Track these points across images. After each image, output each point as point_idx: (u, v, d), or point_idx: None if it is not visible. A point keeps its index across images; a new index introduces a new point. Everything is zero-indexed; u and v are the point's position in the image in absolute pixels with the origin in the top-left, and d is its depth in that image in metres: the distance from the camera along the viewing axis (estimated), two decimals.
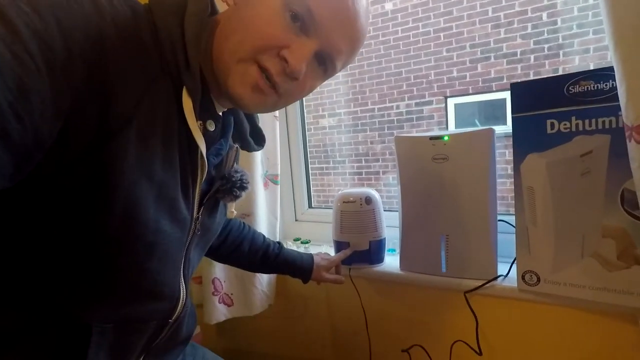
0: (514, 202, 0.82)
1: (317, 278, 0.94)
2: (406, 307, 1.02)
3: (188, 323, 0.64)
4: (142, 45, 0.43)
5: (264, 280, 1.13)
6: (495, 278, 0.87)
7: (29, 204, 0.40)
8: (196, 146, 0.48)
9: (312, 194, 1.39)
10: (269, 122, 1.11)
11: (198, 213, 0.55)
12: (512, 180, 0.81)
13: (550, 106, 0.74)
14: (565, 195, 0.75)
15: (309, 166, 1.36)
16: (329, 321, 1.16)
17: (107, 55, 0.39)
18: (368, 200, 1.01)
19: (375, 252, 1.03)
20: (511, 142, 0.80)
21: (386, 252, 1.07)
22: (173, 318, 0.57)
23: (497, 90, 4.03)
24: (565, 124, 0.74)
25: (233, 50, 0.47)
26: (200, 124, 0.52)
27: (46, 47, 0.34)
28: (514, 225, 0.89)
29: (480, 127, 0.86)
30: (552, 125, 0.74)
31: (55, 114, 0.35)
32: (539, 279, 0.80)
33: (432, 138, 0.91)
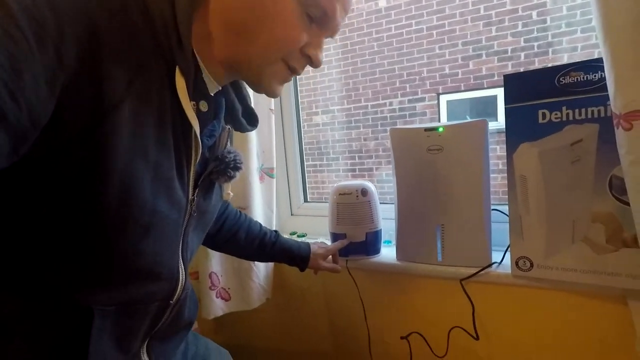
0: (506, 195, 0.84)
1: (314, 266, 0.95)
2: (403, 296, 1.03)
3: (189, 307, 0.64)
4: (134, 26, 0.43)
5: (261, 274, 1.14)
6: (490, 265, 0.89)
7: (25, 188, 0.40)
8: (190, 126, 0.48)
9: (307, 189, 1.40)
10: (265, 116, 1.12)
11: (193, 195, 0.54)
12: (504, 174, 0.83)
13: (541, 97, 0.76)
14: (557, 183, 0.77)
15: (304, 161, 1.37)
16: (326, 313, 1.17)
17: (99, 36, 0.39)
18: (364, 192, 1.02)
19: (371, 243, 1.04)
20: (503, 138, 0.83)
21: (382, 244, 1.08)
22: (174, 299, 0.57)
23: (488, 87, 4.08)
24: (556, 114, 0.76)
25: (262, 55, 0.51)
26: (194, 105, 0.52)
27: (38, 25, 0.34)
28: (507, 214, 0.92)
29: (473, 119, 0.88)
30: (544, 115, 0.76)
31: (49, 92, 0.36)
32: (532, 265, 0.82)
33: (427, 130, 0.92)
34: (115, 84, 0.40)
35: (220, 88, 0.58)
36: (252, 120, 0.70)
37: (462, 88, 3.97)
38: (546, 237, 0.80)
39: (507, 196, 0.84)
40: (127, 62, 0.41)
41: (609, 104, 0.63)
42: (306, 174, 1.40)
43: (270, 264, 1.17)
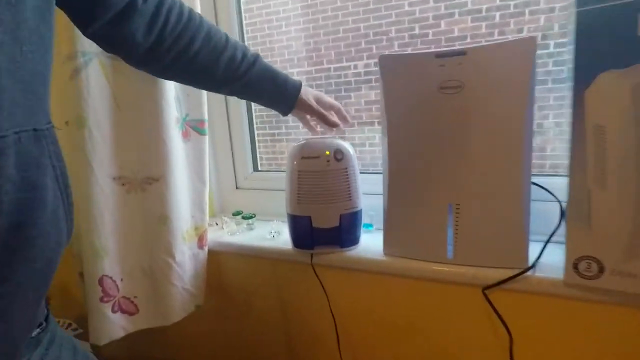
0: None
1: (306, 107, 0.70)
2: (394, 310, 0.72)
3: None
4: None
5: (186, 273, 0.78)
6: (531, 267, 0.59)
7: None
8: None
9: (259, 157, 1.04)
10: None
11: None
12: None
13: None
14: None
15: (254, 116, 1.00)
16: (282, 324, 0.84)
17: None
18: (338, 154, 0.68)
19: (347, 229, 0.71)
20: None
21: (362, 229, 0.75)
22: None
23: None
24: None
25: None
26: None
27: None
28: (548, 189, 0.62)
29: (517, 36, 0.56)
30: None
31: None
32: (602, 269, 0.53)
33: (440, 55, 0.58)
34: None
35: None
36: None
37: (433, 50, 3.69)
38: (633, 226, 0.50)
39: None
40: None
41: None
42: (256, 136, 1.04)
43: (201, 256, 0.81)
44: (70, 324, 0.88)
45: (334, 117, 0.72)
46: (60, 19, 0.65)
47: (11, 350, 0.37)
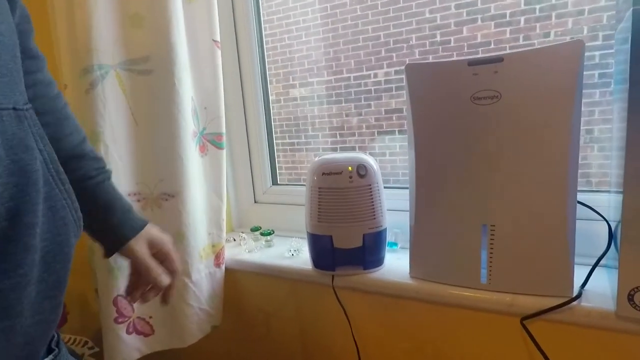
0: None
1: (133, 254, 0.52)
2: (420, 338, 0.66)
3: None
4: None
5: (203, 293, 0.75)
6: (577, 297, 0.53)
7: None
8: None
9: (279, 169, 1.02)
10: (206, 51, 0.72)
11: None
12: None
13: None
14: None
15: (272, 124, 0.98)
16: (302, 348, 0.80)
17: None
18: (362, 170, 0.64)
19: (371, 250, 0.67)
20: None
21: (386, 249, 0.71)
22: None
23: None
24: None
25: None
26: None
27: None
28: (595, 209, 0.56)
29: (563, 40, 0.51)
30: None
31: None
32: None
33: (473, 63, 0.54)
34: None
35: None
36: None
37: (455, 57, 3.62)
38: None
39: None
40: None
41: None
42: (280, 154, 1.01)
43: (218, 275, 0.78)
44: (86, 342, 0.86)
45: (163, 276, 0.54)
46: (77, 32, 0.64)
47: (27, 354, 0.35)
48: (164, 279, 0.54)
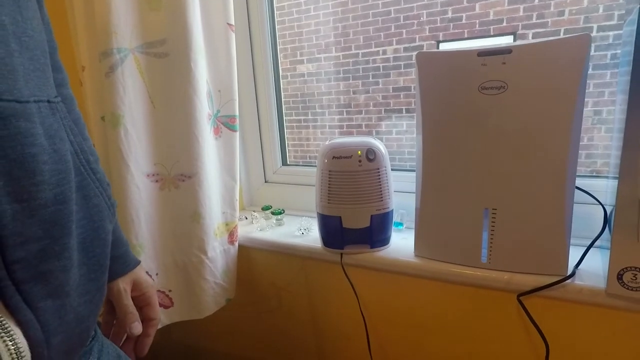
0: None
1: (115, 288, 0.50)
2: (424, 313, 0.71)
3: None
4: None
5: (218, 269, 0.79)
6: (571, 275, 0.57)
7: None
8: None
9: (288, 148, 1.04)
10: (221, 34, 0.73)
11: None
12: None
13: None
14: None
15: (282, 108, 0.99)
16: (312, 321, 0.85)
17: None
18: (371, 154, 0.67)
19: (378, 230, 0.71)
20: None
21: (392, 228, 0.75)
22: None
23: (495, 35, 3.66)
24: None
25: None
26: None
27: None
28: (589, 193, 0.59)
29: (570, 34, 0.52)
30: None
31: None
32: None
33: (482, 54, 0.56)
34: None
35: None
36: None
37: (466, 35, 3.55)
38: None
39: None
40: None
41: None
42: (285, 129, 1.03)
43: (232, 251, 0.83)
44: None
45: (137, 325, 0.51)
46: (96, 15, 0.66)
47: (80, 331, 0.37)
48: (136, 328, 0.50)
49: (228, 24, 0.73)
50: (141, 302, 0.53)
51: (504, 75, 0.55)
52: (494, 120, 0.57)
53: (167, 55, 0.69)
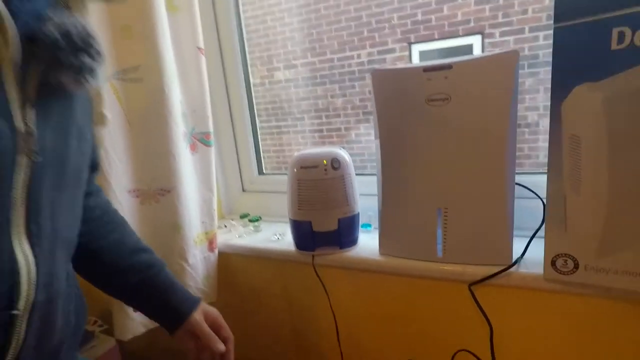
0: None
1: (194, 322, 0.59)
2: (388, 305, 0.77)
3: (66, 317, 0.46)
4: None
5: (199, 275, 0.84)
6: (513, 264, 0.64)
7: None
8: None
9: (264, 157, 1.09)
10: (191, 58, 0.78)
11: (24, 119, 0.35)
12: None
13: (621, 5, 0.47)
14: (628, 148, 0.51)
15: (256, 120, 1.05)
16: (290, 320, 0.90)
17: None
18: (335, 163, 0.73)
19: (346, 232, 0.77)
20: None
21: (360, 229, 0.81)
22: (20, 307, 0.37)
23: (464, 35, 3.78)
24: None
25: None
26: None
27: None
28: (529, 188, 0.66)
29: (498, 50, 0.59)
30: (622, 36, 0.48)
31: None
32: (576, 266, 0.57)
33: (427, 69, 0.62)
34: None
35: None
36: None
37: (436, 36, 3.65)
38: (603, 228, 0.54)
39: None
40: None
41: None
42: (265, 139, 1.08)
43: (212, 258, 0.88)
44: (96, 321, 0.96)
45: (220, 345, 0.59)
46: None
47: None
48: (221, 346, 0.59)
49: (198, 47, 0.78)
50: (214, 327, 0.60)
51: (447, 88, 0.62)
52: (441, 128, 0.64)
53: (141, 81, 0.73)
